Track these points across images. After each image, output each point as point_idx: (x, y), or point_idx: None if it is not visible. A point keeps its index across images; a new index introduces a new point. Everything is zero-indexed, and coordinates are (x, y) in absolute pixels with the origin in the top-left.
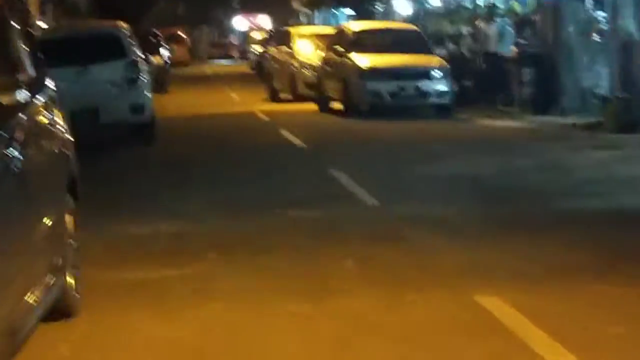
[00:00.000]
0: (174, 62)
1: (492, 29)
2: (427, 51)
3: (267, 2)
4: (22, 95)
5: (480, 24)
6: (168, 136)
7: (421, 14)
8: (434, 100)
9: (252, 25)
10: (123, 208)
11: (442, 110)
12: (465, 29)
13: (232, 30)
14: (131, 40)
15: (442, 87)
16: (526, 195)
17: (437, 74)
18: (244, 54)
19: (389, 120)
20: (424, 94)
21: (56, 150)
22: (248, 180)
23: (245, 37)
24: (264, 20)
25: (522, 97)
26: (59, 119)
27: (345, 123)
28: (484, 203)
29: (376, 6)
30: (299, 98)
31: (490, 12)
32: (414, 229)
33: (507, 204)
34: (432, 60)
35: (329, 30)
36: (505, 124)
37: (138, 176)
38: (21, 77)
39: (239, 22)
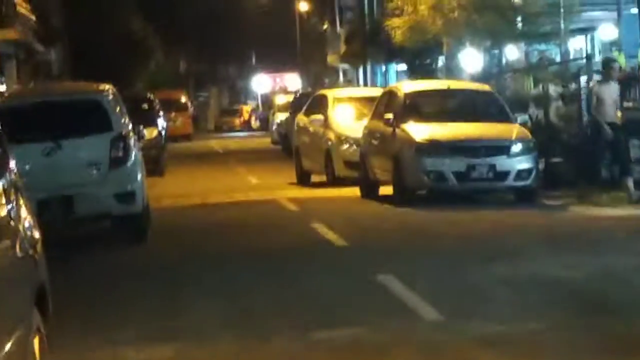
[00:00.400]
0: (174, 136)
1: (609, 89)
2: (505, 118)
3: (293, 57)
4: None
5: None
6: (165, 232)
7: (495, 70)
8: (513, 182)
9: (277, 87)
10: (107, 326)
11: (524, 195)
12: (553, 89)
13: (248, 94)
14: (118, 108)
15: (524, 165)
16: (638, 307)
17: (517, 148)
18: (264, 124)
19: (455, 210)
20: (501, 175)
21: (19, 252)
22: (268, 289)
23: (267, 101)
24: (293, 81)
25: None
26: (24, 211)
27: (397, 214)
28: (582, 317)
29: (438, 61)
30: (336, 181)
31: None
32: (491, 353)
33: (613, 319)
34: (511, 131)
35: (375, 92)
36: (608, 213)
37: (126, 284)
38: None
39: (260, 83)
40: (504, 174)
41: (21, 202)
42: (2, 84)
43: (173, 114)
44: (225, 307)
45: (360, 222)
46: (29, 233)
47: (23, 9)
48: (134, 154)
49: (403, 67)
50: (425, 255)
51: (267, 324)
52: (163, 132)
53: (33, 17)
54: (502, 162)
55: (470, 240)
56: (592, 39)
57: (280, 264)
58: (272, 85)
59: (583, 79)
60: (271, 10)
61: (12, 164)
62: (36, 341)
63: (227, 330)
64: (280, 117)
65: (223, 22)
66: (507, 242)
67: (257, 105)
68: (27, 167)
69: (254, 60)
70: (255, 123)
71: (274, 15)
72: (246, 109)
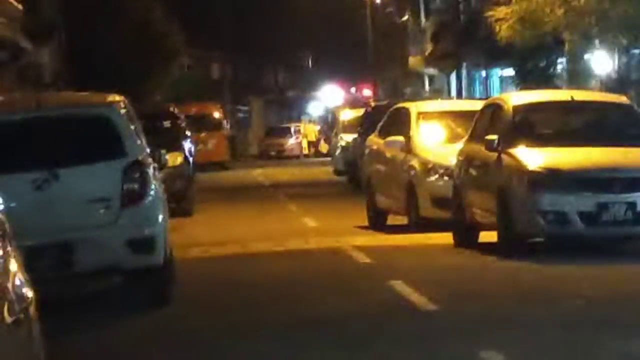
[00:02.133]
0: (205, 162)
1: None
2: None
3: (363, 60)
4: None
5: None
6: (193, 293)
7: (635, 77)
8: None
9: (353, 100)
10: None
11: None
12: None
13: (303, 108)
14: (133, 126)
15: None
16: None
17: None
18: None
19: (580, 263)
20: None
21: (7, 317)
22: None
23: (332, 119)
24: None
25: None
26: (13, 264)
27: (502, 268)
28: None
29: (558, 64)
30: (421, 224)
31: None
32: None
33: None
34: None
35: (473, 105)
36: None
37: None
38: None
39: (330, 96)
40: None
41: (9, 252)
42: None
43: (203, 135)
44: None
45: (453, 279)
46: (19, 292)
47: None
48: (154, 187)
49: (510, 72)
50: (542, 325)
51: None
52: (191, 159)
53: (19, 7)
54: None
55: (602, 305)
56: None
57: (348, 335)
58: (345, 97)
59: None
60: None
61: None
62: None
63: None
64: (346, 138)
65: (269, 15)
66: None
67: (320, 124)
68: (12, 204)
69: (309, 63)
70: (324, 146)
71: (336, 5)
72: (309, 128)
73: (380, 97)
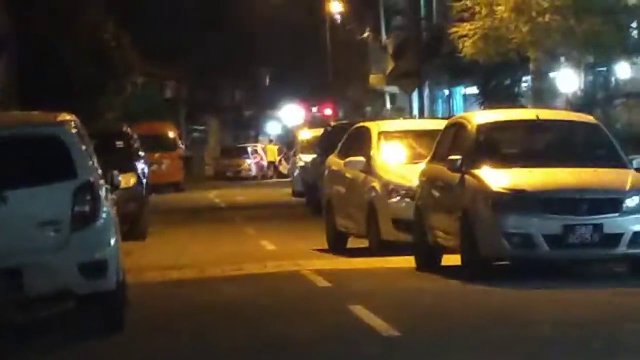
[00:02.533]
0: (159, 184)
1: None
2: (616, 161)
3: (322, 78)
4: None
5: None
6: (148, 318)
7: (602, 95)
8: (628, 249)
9: (313, 119)
10: None
11: None
12: None
13: (260, 127)
14: (84, 146)
15: None
16: None
17: (634, 202)
18: (289, 169)
19: (546, 287)
20: (611, 239)
21: None
22: None
23: (291, 139)
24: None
25: None
26: None
27: (466, 292)
28: None
29: (522, 82)
30: (382, 247)
31: None
32: None
33: None
34: (624, 178)
35: (436, 124)
36: None
37: None
38: None
39: (291, 115)
40: (615, 238)
41: None
42: None
43: (157, 155)
44: None
45: (416, 303)
46: None
47: None
48: (106, 210)
49: (474, 90)
50: (508, 350)
51: None
52: (144, 180)
53: None
54: (612, 222)
55: (569, 329)
56: None
57: None
58: (306, 117)
59: None
60: (290, 17)
61: None
62: None
63: None
64: (305, 159)
65: (226, 31)
66: (620, 332)
67: (278, 143)
68: None
69: (267, 81)
70: (284, 167)
71: (296, 22)
72: (270, 148)
73: (341, 116)
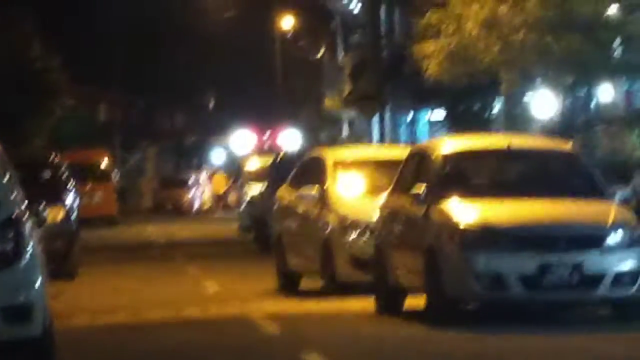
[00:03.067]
0: (90, 217)
1: None
2: (596, 193)
3: (272, 101)
4: None
5: None
6: None
7: (581, 120)
8: (611, 291)
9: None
10: None
11: (627, 311)
12: None
13: (203, 156)
14: (7, 177)
15: (627, 264)
16: None
17: (616, 238)
18: (233, 202)
19: (519, 332)
20: (592, 280)
21: None
22: None
23: (237, 167)
24: (290, 138)
25: None
26: None
27: (432, 340)
28: None
29: (494, 106)
30: (339, 288)
31: None
32: None
33: None
34: (606, 212)
35: (398, 152)
36: None
37: None
38: None
39: (241, 142)
40: (596, 279)
41: None
42: None
43: (89, 186)
44: None
45: (376, 352)
46: None
47: None
48: (31, 247)
49: (440, 115)
50: None
51: None
52: (74, 214)
53: None
54: (593, 261)
55: None
56: None
57: None
58: (256, 144)
59: None
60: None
61: None
62: None
63: None
64: (253, 191)
65: (165, 50)
66: None
67: (225, 173)
68: None
69: (211, 106)
70: (233, 198)
71: (243, 41)
72: (218, 178)
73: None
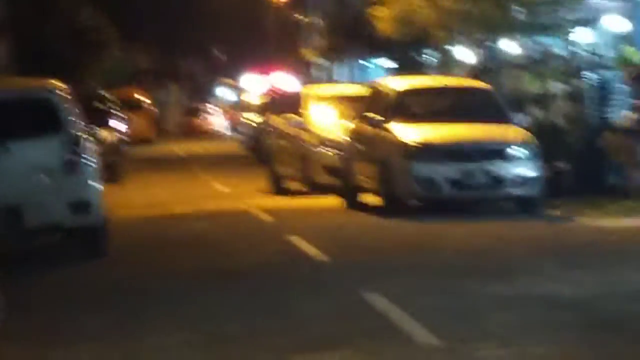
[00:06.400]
0: (132, 138)
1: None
2: (504, 119)
3: (260, 50)
4: None
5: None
6: (124, 247)
7: (492, 66)
8: (513, 190)
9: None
10: (63, 343)
11: (526, 205)
12: (558, 87)
13: (213, 91)
14: (70, 107)
15: (525, 171)
16: None
17: (518, 152)
18: (236, 126)
19: (448, 221)
20: (500, 182)
21: None
22: (241, 310)
23: (237, 101)
24: (286, 80)
25: None
26: None
27: (383, 225)
28: (588, 338)
29: (426, 56)
30: (315, 189)
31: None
32: None
33: (620, 339)
34: (510, 133)
35: (358, 90)
36: (618, 224)
37: (82, 306)
38: None
39: (249, 82)
40: (503, 181)
41: None
42: None
43: (132, 115)
44: (191, 331)
45: (343, 234)
46: None
47: None
48: (90, 158)
49: (391, 63)
50: (418, 272)
51: (240, 349)
52: (121, 135)
53: None
54: (500, 168)
55: (467, 255)
56: (600, 31)
57: (253, 281)
58: (264, 85)
59: (589, 75)
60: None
61: None
62: None
63: (195, 357)
64: (251, 118)
65: (184, 12)
66: (508, 257)
67: (226, 105)
68: None
69: (224, 57)
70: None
71: (242, 6)
72: (225, 108)
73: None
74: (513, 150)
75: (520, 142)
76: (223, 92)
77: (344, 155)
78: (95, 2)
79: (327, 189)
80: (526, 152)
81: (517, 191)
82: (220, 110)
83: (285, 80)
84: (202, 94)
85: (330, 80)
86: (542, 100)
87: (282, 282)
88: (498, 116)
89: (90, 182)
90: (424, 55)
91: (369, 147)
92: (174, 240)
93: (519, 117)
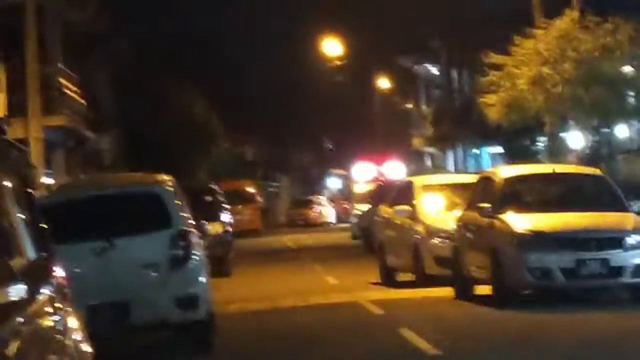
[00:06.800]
0: (240, 231)
1: None
2: (619, 207)
3: (369, 139)
4: (16, 290)
5: None
6: (232, 341)
7: (605, 152)
8: (630, 279)
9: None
10: None
11: None
12: None
13: (323, 182)
14: (179, 202)
15: None
16: None
17: (635, 240)
18: (346, 217)
19: (563, 312)
20: (616, 271)
21: None
22: None
23: (347, 191)
24: (394, 169)
25: None
26: (72, 322)
27: (496, 317)
28: None
29: (537, 143)
30: (426, 280)
31: None
32: None
33: None
34: (626, 221)
35: (468, 178)
36: None
37: None
38: (15, 262)
39: (360, 172)
40: (619, 270)
41: (69, 311)
42: (49, 176)
43: (240, 207)
44: None
45: (454, 327)
46: (79, 347)
47: (72, 92)
48: (197, 253)
49: (499, 149)
50: None
51: None
52: (229, 228)
53: (83, 102)
54: (617, 257)
55: (580, 349)
56: None
57: None
58: (373, 174)
59: None
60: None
61: (59, 267)
62: None
63: None
64: (360, 209)
65: (293, 104)
66: (628, 352)
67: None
68: (76, 269)
69: (330, 146)
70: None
71: (350, 97)
72: (335, 198)
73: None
74: (629, 239)
75: (638, 230)
76: (333, 183)
77: (454, 245)
78: (207, 94)
79: (437, 280)
80: None
81: (633, 281)
82: (331, 201)
83: (395, 169)
84: (312, 185)
85: (440, 168)
86: None
87: None
88: (614, 203)
89: (197, 276)
90: (535, 142)
91: (480, 237)
92: (281, 334)
93: (635, 204)
